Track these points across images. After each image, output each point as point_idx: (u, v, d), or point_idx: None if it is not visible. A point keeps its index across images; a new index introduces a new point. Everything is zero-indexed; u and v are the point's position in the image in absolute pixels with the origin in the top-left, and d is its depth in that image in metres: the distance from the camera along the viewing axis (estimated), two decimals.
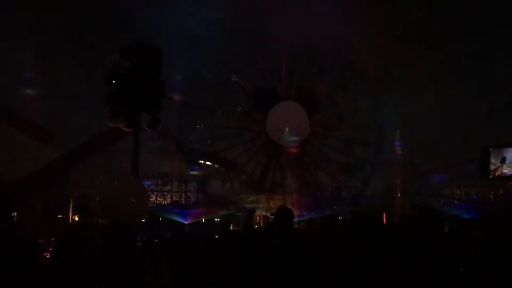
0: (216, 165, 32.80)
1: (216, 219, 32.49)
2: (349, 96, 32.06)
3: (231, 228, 26.30)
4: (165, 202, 35.31)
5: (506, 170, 16.23)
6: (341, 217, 18.46)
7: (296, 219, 21.83)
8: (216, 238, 10.91)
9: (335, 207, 29.84)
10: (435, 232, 4.38)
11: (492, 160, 15.82)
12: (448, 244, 4.43)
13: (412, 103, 30.77)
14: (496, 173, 16.65)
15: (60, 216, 29.40)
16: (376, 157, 32.04)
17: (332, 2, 28.42)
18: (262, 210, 29.30)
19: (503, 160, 16.12)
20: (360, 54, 30.82)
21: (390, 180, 33.38)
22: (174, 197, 36.35)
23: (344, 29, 28.99)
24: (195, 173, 31.91)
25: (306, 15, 29.97)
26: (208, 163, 32.85)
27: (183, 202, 35.70)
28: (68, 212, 28.19)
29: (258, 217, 30.77)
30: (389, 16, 32.30)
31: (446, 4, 34.69)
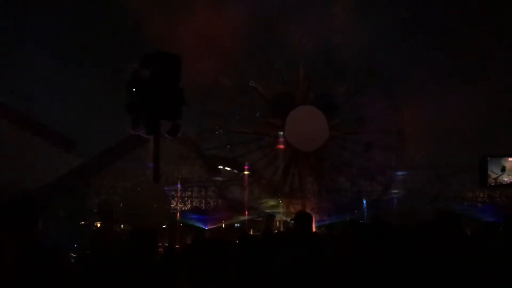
0: (235, 171, 32.87)
1: (236, 224, 32.56)
2: (368, 100, 31.75)
3: (251, 233, 26.35)
4: (186, 208, 35.58)
5: (506, 178, 16.47)
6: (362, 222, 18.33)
7: (316, 224, 21.75)
8: (236, 243, 10.94)
9: (355, 211, 29.58)
10: (452, 236, 4.35)
11: (493, 169, 16.08)
12: (467, 248, 4.39)
13: (433, 105, 30.27)
14: (498, 181, 16.83)
15: (83, 223, 29.89)
16: (396, 161, 31.65)
17: (350, 5, 28.36)
18: (282, 215, 29.24)
19: (503, 169, 16.38)
20: (379, 56, 30.61)
21: (411, 183, 32.99)
22: (194, 203, 36.62)
23: (363, 31, 28.86)
24: (214, 178, 32.03)
25: (323, 18, 29.96)
26: (227, 168, 32.94)
27: (203, 208, 35.94)
28: (91, 219, 28.60)
29: (278, 222, 30.72)
30: (408, 18, 32.03)
31: (469, 8, 34.01)
